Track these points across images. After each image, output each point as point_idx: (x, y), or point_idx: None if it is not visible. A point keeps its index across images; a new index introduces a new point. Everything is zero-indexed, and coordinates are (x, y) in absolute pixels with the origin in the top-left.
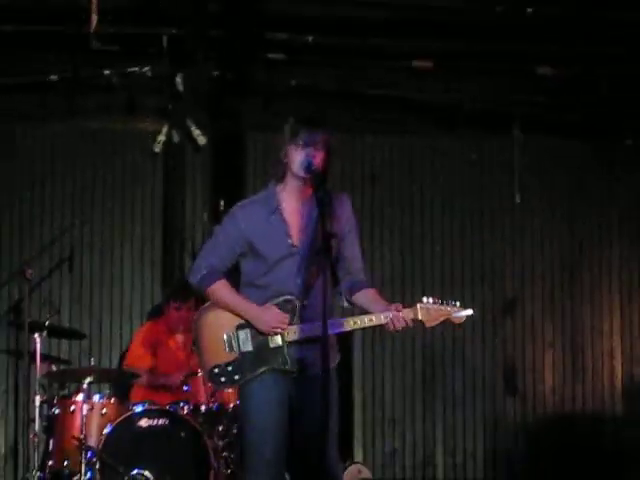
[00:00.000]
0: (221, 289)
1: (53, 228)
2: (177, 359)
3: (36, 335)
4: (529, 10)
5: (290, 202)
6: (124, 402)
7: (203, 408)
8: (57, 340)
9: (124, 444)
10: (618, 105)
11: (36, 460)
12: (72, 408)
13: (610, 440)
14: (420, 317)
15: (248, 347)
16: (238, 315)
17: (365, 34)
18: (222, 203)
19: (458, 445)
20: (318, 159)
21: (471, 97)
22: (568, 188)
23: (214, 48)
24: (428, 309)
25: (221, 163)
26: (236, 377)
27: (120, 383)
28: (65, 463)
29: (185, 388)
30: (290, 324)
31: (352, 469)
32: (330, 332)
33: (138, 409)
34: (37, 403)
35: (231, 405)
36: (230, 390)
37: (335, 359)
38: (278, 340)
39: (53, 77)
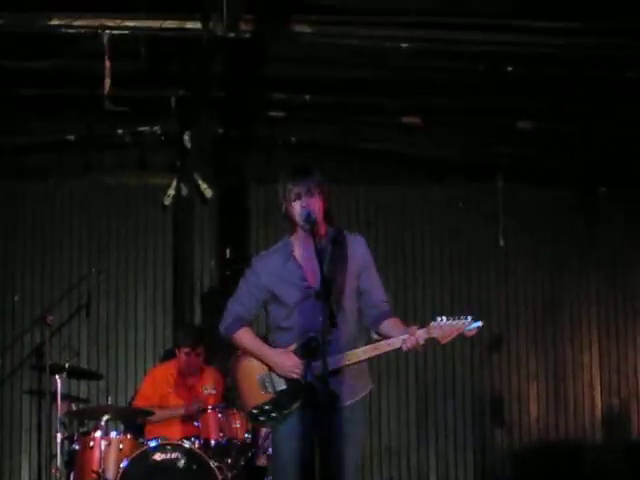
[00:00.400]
0: (244, 336)
1: (71, 277)
2: (187, 397)
3: (57, 376)
4: (509, 69)
5: (303, 247)
6: (139, 438)
7: (213, 442)
8: (76, 381)
9: (139, 477)
10: (591, 156)
11: None
12: (91, 444)
13: (590, 466)
14: (434, 335)
15: (282, 386)
16: (260, 360)
17: (358, 93)
18: (228, 251)
19: (450, 472)
20: (314, 206)
21: (457, 150)
22: (549, 232)
23: (218, 108)
24: (441, 327)
25: (227, 214)
26: (273, 414)
27: (135, 420)
28: None
29: (196, 424)
30: (316, 360)
31: None
32: (340, 364)
33: (152, 444)
34: (58, 440)
35: (239, 439)
36: (237, 425)
37: (367, 386)
38: (308, 376)
39: (69, 137)
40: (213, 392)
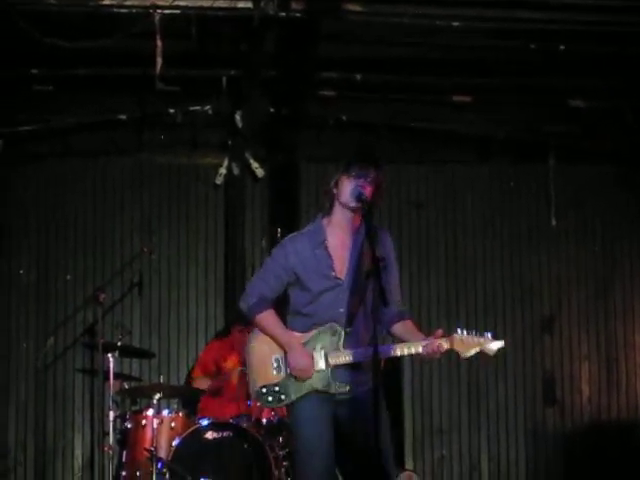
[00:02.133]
0: (268, 318)
1: (123, 256)
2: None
3: (109, 355)
4: (561, 47)
5: (336, 235)
6: (191, 416)
7: (264, 421)
8: (128, 359)
9: (191, 455)
10: None
11: (110, 471)
12: (143, 422)
13: None
14: (455, 347)
15: None
16: (279, 346)
17: (409, 72)
18: (279, 230)
19: (501, 453)
20: (368, 191)
21: (508, 129)
22: (600, 211)
23: (269, 87)
24: (462, 340)
25: (278, 193)
26: (282, 397)
27: (187, 398)
28: (137, 473)
29: (248, 403)
30: (335, 350)
31: (403, 476)
32: (381, 356)
33: (204, 422)
34: (111, 418)
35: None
36: None
37: (369, 382)
38: (322, 364)
39: (122, 116)
40: None
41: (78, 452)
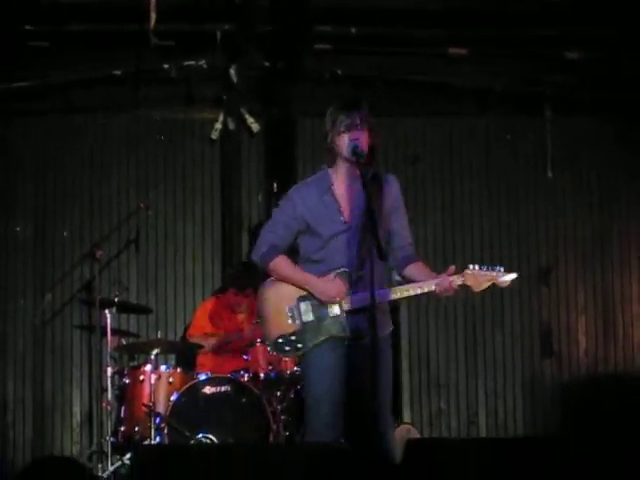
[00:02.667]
0: (282, 263)
1: (120, 212)
2: (239, 331)
3: (106, 311)
4: None
5: (341, 182)
6: (189, 371)
7: (262, 375)
8: (126, 315)
9: (190, 410)
10: None
11: (109, 426)
12: (141, 378)
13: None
14: (468, 283)
15: (309, 317)
16: (299, 287)
17: (405, 25)
18: (275, 185)
19: (499, 405)
20: (362, 140)
21: (504, 81)
22: (597, 163)
23: (264, 41)
24: (475, 275)
25: (273, 148)
26: (299, 345)
27: (185, 353)
28: (136, 429)
29: (245, 357)
30: (347, 294)
31: (401, 429)
32: (380, 300)
33: (202, 377)
34: (109, 374)
35: (288, 372)
36: (287, 358)
37: (388, 326)
38: (336, 309)
39: (116, 72)
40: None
41: (76, 408)
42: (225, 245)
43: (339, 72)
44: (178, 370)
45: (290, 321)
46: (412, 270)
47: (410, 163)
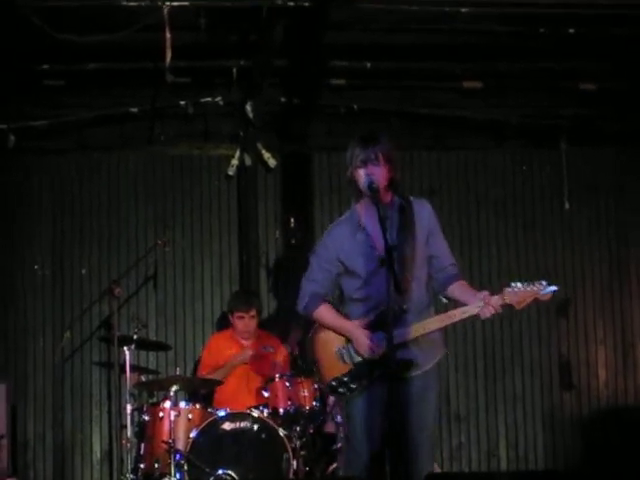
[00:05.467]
0: (325, 313)
1: (138, 249)
2: (245, 365)
3: (125, 348)
4: (571, 30)
5: (371, 216)
6: (208, 407)
7: (281, 411)
8: (145, 352)
9: (209, 446)
10: None
11: (129, 463)
12: (161, 414)
13: None
14: (509, 301)
15: (359, 357)
16: (341, 335)
17: (419, 58)
18: (292, 220)
19: (519, 438)
20: (378, 174)
21: (519, 113)
22: (613, 194)
23: (280, 77)
24: (515, 292)
25: (290, 183)
26: (353, 386)
27: (200, 390)
28: (156, 466)
29: (265, 394)
30: (393, 329)
31: None
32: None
33: (221, 413)
34: (128, 411)
35: (307, 407)
36: (305, 394)
37: (437, 354)
38: (384, 346)
39: (133, 109)
40: (272, 350)
41: (96, 445)
42: (243, 280)
43: (355, 107)
44: (197, 406)
45: (341, 363)
46: (454, 290)
47: (427, 196)
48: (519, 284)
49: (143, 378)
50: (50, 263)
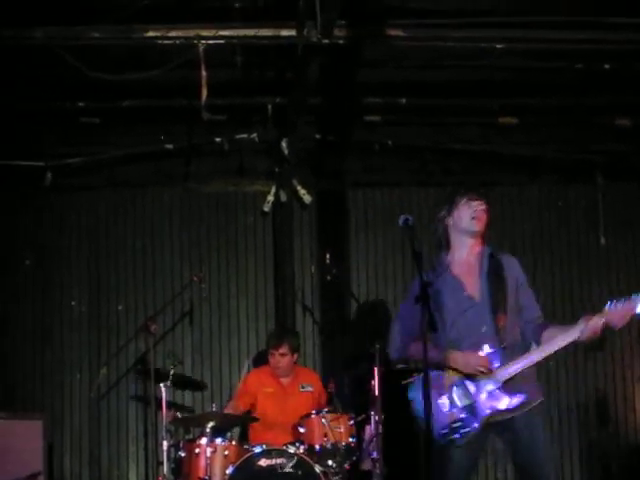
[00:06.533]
0: (418, 348)
1: (174, 285)
2: (282, 398)
3: (161, 385)
4: (606, 66)
5: (460, 264)
6: (244, 444)
7: (317, 447)
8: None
9: None
10: None
11: None
12: (197, 451)
13: None
14: (610, 321)
15: (467, 401)
16: (442, 365)
17: (454, 95)
18: (328, 256)
19: (557, 475)
20: (484, 217)
21: (555, 148)
22: None
23: (315, 113)
24: (615, 311)
25: (325, 219)
26: (466, 430)
27: (232, 426)
28: None
29: (301, 430)
30: (496, 368)
31: None
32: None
33: (257, 450)
34: (165, 447)
35: (343, 444)
36: (341, 430)
37: (539, 395)
38: (491, 386)
39: (169, 146)
40: (310, 389)
41: None
42: (278, 317)
43: (389, 143)
44: (233, 443)
45: (448, 410)
46: (549, 333)
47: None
48: (614, 303)
49: (179, 414)
50: (87, 299)
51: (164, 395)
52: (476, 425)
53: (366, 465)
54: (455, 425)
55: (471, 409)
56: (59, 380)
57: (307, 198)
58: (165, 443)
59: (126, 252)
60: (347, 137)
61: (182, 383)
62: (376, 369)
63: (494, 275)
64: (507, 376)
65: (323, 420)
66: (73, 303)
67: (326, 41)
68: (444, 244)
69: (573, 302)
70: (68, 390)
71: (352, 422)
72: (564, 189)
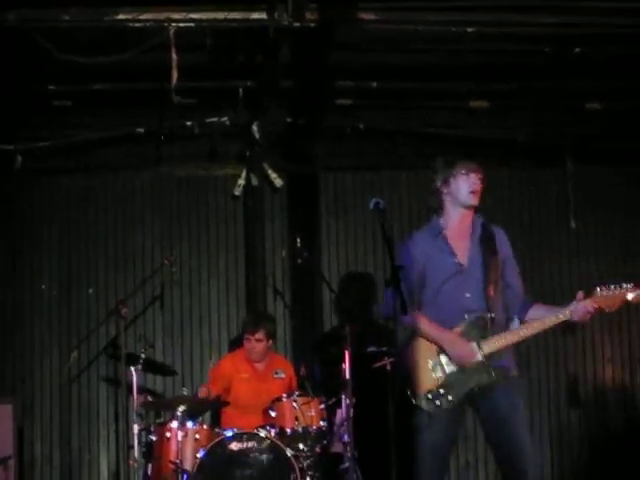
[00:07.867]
0: (420, 319)
1: (144, 268)
2: (255, 383)
3: (132, 368)
4: (576, 50)
5: (452, 229)
6: (215, 428)
7: (288, 431)
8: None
9: (217, 467)
10: None
11: None
12: (168, 435)
13: None
14: (601, 305)
15: (452, 367)
16: (435, 344)
17: (425, 78)
18: (298, 240)
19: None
20: (480, 188)
21: (525, 133)
22: (620, 213)
23: (286, 97)
24: (606, 296)
25: (296, 203)
26: (450, 397)
27: (204, 411)
28: None
29: (272, 413)
30: (484, 337)
31: None
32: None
33: (228, 434)
34: (135, 431)
35: (314, 427)
36: (312, 413)
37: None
38: (479, 356)
39: (139, 130)
40: (282, 376)
41: (103, 466)
42: (249, 300)
43: (361, 126)
44: (204, 426)
45: (434, 375)
46: (534, 312)
47: (430, 214)
48: (604, 288)
49: (150, 398)
50: (57, 283)
51: (135, 379)
52: (461, 394)
53: (337, 448)
54: (441, 391)
55: (457, 377)
56: (29, 364)
57: (278, 182)
58: (136, 427)
59: (97, 235)
60: (318, 121)
61: (152, 368)
62: (347, 352)
63: (486, 244)
64: (493, 350)
65: (294, 404)
66: (43, 287)
67: (297, 24)
68: (438, 210)
69: (543, 286)
70: (38, 374)
71: (323, 406)
72: (535, 173)
